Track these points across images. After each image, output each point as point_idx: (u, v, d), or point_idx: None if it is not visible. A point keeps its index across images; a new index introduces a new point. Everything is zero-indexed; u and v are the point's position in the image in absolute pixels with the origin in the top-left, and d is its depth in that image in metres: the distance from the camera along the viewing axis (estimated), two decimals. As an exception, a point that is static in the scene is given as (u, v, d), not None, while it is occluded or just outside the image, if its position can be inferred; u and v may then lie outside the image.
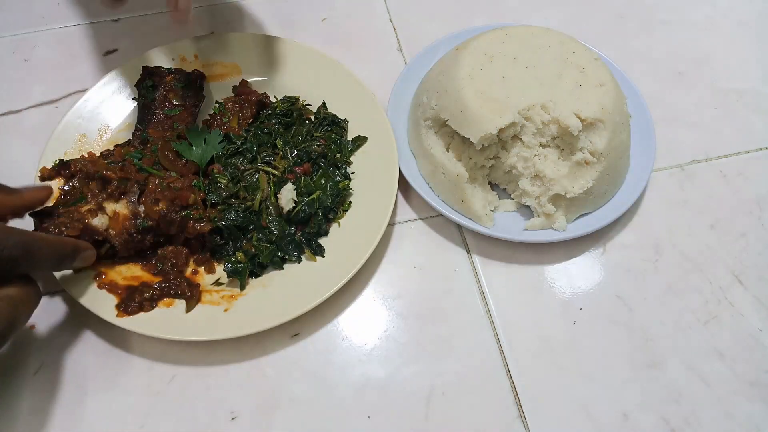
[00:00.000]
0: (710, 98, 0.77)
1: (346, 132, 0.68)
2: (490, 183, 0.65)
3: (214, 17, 0.80)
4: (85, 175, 0.58)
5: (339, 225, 0.62)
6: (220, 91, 0.69)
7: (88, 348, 0.56)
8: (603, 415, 0.55)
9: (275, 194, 0.61)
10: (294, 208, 0.60)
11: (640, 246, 0.65)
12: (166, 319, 0.54)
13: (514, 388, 0.56)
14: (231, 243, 0.60)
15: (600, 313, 0.61)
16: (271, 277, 0.59)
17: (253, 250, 0.58)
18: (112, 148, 0.63)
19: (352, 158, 0.66)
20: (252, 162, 0.63)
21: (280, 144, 0.65)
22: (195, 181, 0.60)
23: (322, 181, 0.62)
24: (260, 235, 0.59)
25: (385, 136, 0.65)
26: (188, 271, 0.59)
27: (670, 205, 0.68)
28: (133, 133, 0.64)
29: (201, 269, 0.59)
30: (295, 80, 0.70)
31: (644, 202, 0.68)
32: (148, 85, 0.66)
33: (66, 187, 0.58)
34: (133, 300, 0.54)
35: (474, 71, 0.62)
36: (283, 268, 0.59)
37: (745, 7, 0.87)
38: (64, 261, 0.51)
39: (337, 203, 0.62)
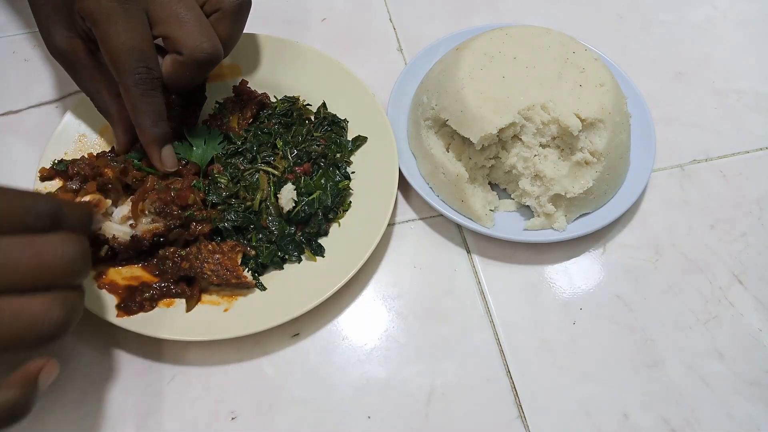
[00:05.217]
0: (710, 98, 0.77)
1: (346, 132, 0.68)
2: (490, 183, 0.66)
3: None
4: (83, 178, 0.59)
5: (339, 225, 0.62)
6: (220, 91, 0.69)
7: (88, 348, 0.56)
8: (603, 415, 0.55)
9: (275, 194, 0.61)
10: (294, 208, 0.60)
11: (640, 246, 0.65)
12: (166, 319, 0.54)
13: (514, 388, 0.56)
14: (231, 243, 0.60)
15: (600, 313, 0.61)
16: (271, 277, 0.59)
17: (253, 252, 0.58)
18: (110, 150, 0.63)
19: (352, 158, 0.66)
20: (252, 162, 0.63)
21: (280, 144, 0.65)
22: (195, 181, 0.60)
23: (322, 181, 0.62)
24: (260, 235, 0.59)
25: (385, 136, 0.65)
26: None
27: (670, 205, 0.68)
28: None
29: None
30: (295, 80, 0.70)
31: (644, 202, 0.68)
32: None
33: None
34: (133, 300, 0.54)
35: (474, 71, 0.62)
36: (283, 268, 0.59)
37: (745, 7, 0.87)
38: (89, 220, 0.46)
39: (337, 203, 0.62)
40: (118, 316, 0.54)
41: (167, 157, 0.58)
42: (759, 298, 0.62)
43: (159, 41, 0.55)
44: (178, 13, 0.52)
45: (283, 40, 0.71)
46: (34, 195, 0.41)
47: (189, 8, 0.53)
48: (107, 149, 0.63)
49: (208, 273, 0.55)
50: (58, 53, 0.56)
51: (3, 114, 0.71)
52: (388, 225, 0.62)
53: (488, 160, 0.63)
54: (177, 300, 0.56)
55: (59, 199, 0.43)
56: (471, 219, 0.62)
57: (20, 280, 0.38)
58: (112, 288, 0.55)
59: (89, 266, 0.43)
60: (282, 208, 0.60)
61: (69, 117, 0.65)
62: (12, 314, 0.37)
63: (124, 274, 0.57)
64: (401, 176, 0.63)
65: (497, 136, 0.59)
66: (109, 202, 0.54)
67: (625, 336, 0.59)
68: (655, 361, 0.58)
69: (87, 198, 0.52)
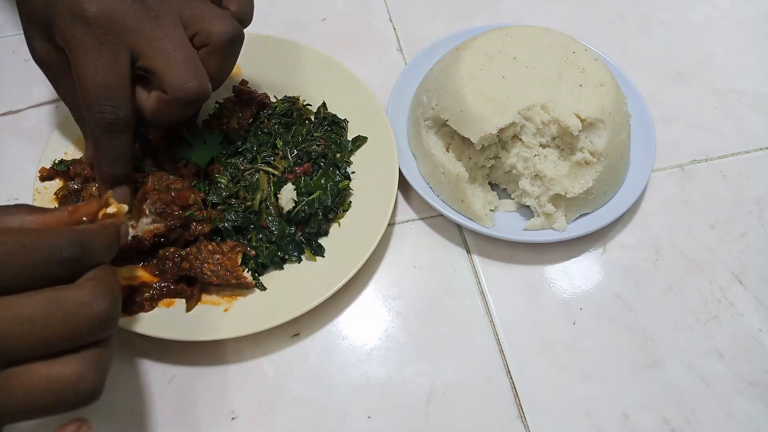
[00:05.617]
0: (710, 98, 0.77)
1: (346, 132, 0.68)
2: (490, 183, 0.66)
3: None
4: (84, 178, 0.59)
5: (339, 225, 0.62)
6: (220, 91, 0.68)
7: (88, 348, 0.56)
8: (603, 415, 0.55)
9: (275, 194, 0.61)
10: (294, 208, 0.60)
11: (640, 246, 0.65)
12: (166, 319, 0.54)
13: (514, 388, 0.56)
14: (231, 243, 0.60)
15: (600, 313, 0.61)
16: (271, 277, 0.59)
17: (253, 252, 0.58)
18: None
19: (352, 158, 0.66)
20: (252, 162, 0.63)
21: (280, 144, 0.65)
22: (195, 181, 0.60)
23: (322, 181, 0.62)
24: (260, 235, 0.59)
25: (385, 136, 0.65)
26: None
27: (670, 205, 0.68)
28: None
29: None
30: (295, 80, 0.70)
31: (644, 202, 0.68)
32: None
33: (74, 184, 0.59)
34: (133, 300, 0.54)
35: (474, 71, 0.62)
36: (283, 268, 0.59)
37: (745, 7, 0.87)
38: (116, 245, 0.43)
39: (337, 203, 0.62)
40: (118, 316, 0.54)
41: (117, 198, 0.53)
42: (759, 298, 0.62)
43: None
44: (164, 48, 0.49)
45: (283, 40, 0.71)
46: (55, 236, 0.36)
47: (177, 43, 0.49)
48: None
49: (208, 273, 0.55)
50: (38, 62, 0.54)
51: (3, 114, 0.71)
52: (388, 225, 0.62)
53: (488, 160, 0.63)
54: (177, 300, 0.56)
55: (83, 231, 0.39)
56: (471, 219, 0.62)
57: (48, 345, 0.35)
58: (112, 288, 0.55)
59: (119, 310, 0.39)
60: (282, 208, 0.60)
61: (69, 117, 0.65)
62: (43, 386, 0.35)
63: (124, 274, 0.57)
64: (401, 176, 0.63)
65: (497, 136, 0.59)
66: (125, 207, 0.49)
67: (625, 336, 0.59)
68: (655, 361, 0.58)
69: (111, 210, 0.47)
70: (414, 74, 0.72)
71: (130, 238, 0.55)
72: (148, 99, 0.51)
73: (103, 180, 0.54)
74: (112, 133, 0.50)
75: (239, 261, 0.57)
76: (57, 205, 0.58)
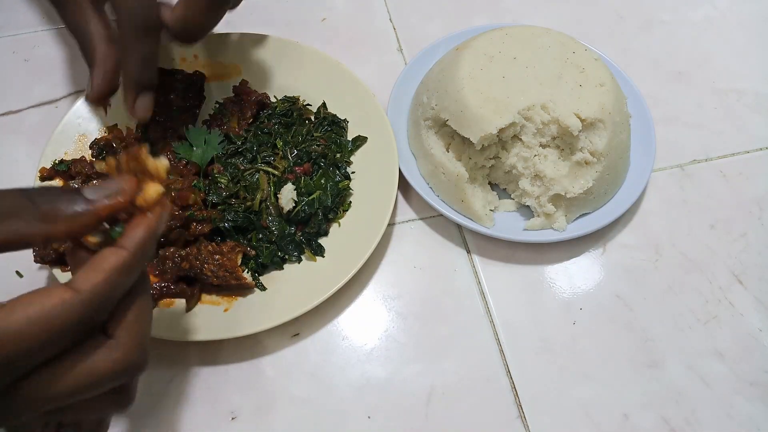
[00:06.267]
0: (710, 98, 0.77)
1: (346, 132, 0.68)
2: (490, 183, 0.66)
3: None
4: (85, 177, 0.59)
5: (339, 225, 0.62)
6: (220, 91, 0.69)
7: (88, 348, 0.56)
8: (603, 415, 0.55)
9: (275, 194, 0.61)
10: (294, 208, 0.60)
11: (640, 246, 0.65)
12: (166, 319, 0.54)
13: (514, 388, 0.56)
14: (231, 243, 0.60)
15: (600, 313, 0.61)
16: (271, 277, 0.59)
17: (253, 252, 0.58)
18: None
19: (352, 158, 0.66)
20: (252, 162, 0.63)
21: (280, 144, 0.65)
22: (195, 181, 0.60)
23: (322, 181, 0.62)
24: (260, 235, 0.59)
25: (385, 136, 0.65)
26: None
27: (670, 205, 0.68)
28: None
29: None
30: (295, 80, 0.70)
31: (644, 202, 0.68)
32: None
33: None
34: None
35: (474, 71, 0.62)
36: (283, 268, 0.59)
37: (745, 7, 0.87)
38: (151, 256, 0.39)
39: (337, 203, 0.62)
40: (118, 316, 0.54)
41: (141, 106, 0.57)
42: (759, 298, 0.62)
43: None
44: None
45: (283, 40, 0.71)
46: (77, 307, 0.33)
47: None
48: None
49: (208, 273, 0.55)
50: None
51: (3, 114, 0.71)
52: (388, 225, 0.62)
53: (488, 160, 0.63)
54: (177, 300, 0.56)
55: (112, 281, 0.35)
56: (471, 219, 0.62)
57: (80, 401, 0.36)
58: (113, 288, 0.55)
59: (148, 355, 0.38)
60: (282, 208, 0.60)
61: (69, 117, 0.65)
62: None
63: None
64: (401, 176, 0.63)
65: (497, 136, 0.59)
66: (162, 166, 0.39)
67: (625, 336, 0.59)
68: (655, 361, 0.58)
69: (151, 192, 0.37)
70: (414, 74, 0.72)
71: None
72: (173, 12, 0.54)
73: (132, 85, 0.56)
74: (142, 34, 0.53)
75: (239, 261, 0.57)
76: None
